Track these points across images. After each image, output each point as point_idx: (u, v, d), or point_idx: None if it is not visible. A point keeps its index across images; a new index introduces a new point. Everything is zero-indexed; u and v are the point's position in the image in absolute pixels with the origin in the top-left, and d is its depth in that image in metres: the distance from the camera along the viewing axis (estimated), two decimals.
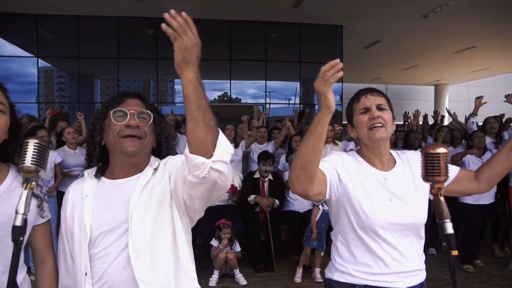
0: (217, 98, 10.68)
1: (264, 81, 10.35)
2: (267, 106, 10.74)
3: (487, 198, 4.66)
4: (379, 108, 1.55)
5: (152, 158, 1.54)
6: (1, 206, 1.38)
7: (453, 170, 1.59)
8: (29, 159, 1.14)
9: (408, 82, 18.23)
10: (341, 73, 1.21)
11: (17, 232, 1.11)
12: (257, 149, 5.35)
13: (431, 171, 1.07)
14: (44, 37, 9.39)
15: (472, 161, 4.72)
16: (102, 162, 1.53)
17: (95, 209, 1.43)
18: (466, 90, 18.65)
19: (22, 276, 1.51)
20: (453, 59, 12.98)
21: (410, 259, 1.54)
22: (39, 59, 9.60)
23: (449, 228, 1.02)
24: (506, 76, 16.37)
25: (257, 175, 4.92)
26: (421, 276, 1.60)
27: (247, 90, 11.00)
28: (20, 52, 9.63)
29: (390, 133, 1.55)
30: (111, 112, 1.47)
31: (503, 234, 5.38)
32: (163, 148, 1.57)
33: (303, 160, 1.33)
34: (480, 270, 4.77)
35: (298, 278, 4.42)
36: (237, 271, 4.41)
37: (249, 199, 4.77)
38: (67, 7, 8.43)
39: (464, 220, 4.79)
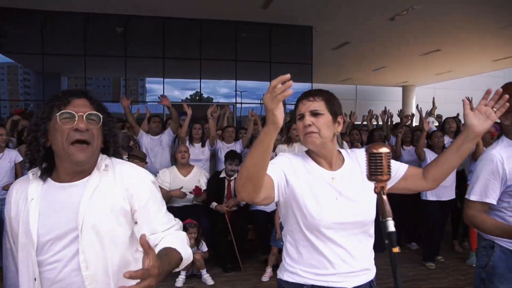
0: (188, 97, 10.60)
1: (235, 81, 10.34)
2: (238, 105, 10.74)
3: (448, 194, 4.82)
4: (314, 113, 1.53)
5: (100, 158, 1.49)
6: None
7: (402, 168, 1.62)
8: None
9: (377, 83, 18.62)
10: (290, 92, 1.15)
11: None
12: (224, 148, 5.34)
13: (374, 170, 1.10)
14: (7, 32, 9.05)
15: (431, 158, 4.88)
16: (47, 162, 1.45)
17: (41, 214, 1.37)
18: (432, 92, 19.22)
19: None
20: (419, 62, 13.36)
21: (358, 258, 1.55)
22: (1, 55, 9.26)
23: (391, 226, 1.04)
24: (471, 78, 16.98)
25: (223, 175, 4.91)
26: (370, 275, 1.61)
27: (218, 90, 10.97)
28: None
29: (325, 137, 1.53)
30: (58, 114, 1.38)
31: (462, 230, 5.57)
32: (111, 148, 1.53)
33: (249, 172, 1.30)
34: (440, 266, 4.92)
35: (265, 277, 4.44)
36: (204, 271, 4.39)
37: (211, 205, 4.76)
38: (32, 1, 8.17)
39: (427, 218, 4.93)
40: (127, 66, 9.60)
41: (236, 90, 10.51)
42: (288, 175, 1.53)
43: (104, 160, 1.48)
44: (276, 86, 1.16)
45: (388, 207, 1.07)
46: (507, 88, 2.14)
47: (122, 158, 1.59)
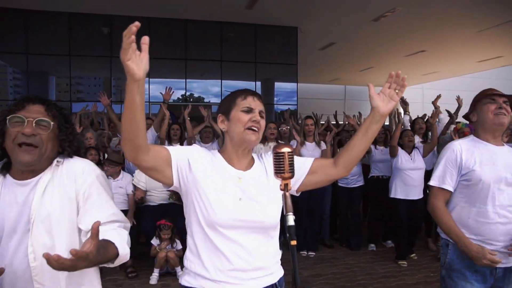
0: (180, 97, 10.64)
1: (220, 81, 10.41)
2: None
3: (416, 193, 4.93)
4: (261, 115, 1.57)
5: (56, 158, 1.58)
6: None
7: (307, 163, 1.63)
8: None
9: (366, 83, 18.70)
10: (133, 38, 1.14)
11: None
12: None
13: (278, 168, 1.17)
14: None
15: (404, 158, 4.97)
16: (7, 158, 1.55)
17: None
18: (420, 92, 19.38)
19: None
20: (404, 62, 13.48)
21: (256, 257, 1.51)
22: None
23: (291, 220, 1.12)
24: (460, 78, 17.16)
25: None
26: (271, 278, 1.56)
27: (204, 90, 11.02)
28: None
29: (259, 140, 1.57)
30: (8, 118, 1.48)
31: (435, 228, 5.67)
32: (66, 151, 1.60)
33: (124, 131, 1.31)
34: (413, 264, 5.03)
35: None
36: (178, 269, 4.46)
37: None
38: (15, 1, 8.19)
39: (396, 216, 5.03)
40: (113, 66, 9.64)
41: (221, 90, 10.57)
42: (193, 163, 1.51)
43: (56, 158, 1.57)
44: (126, 36, 1.14)
45: (290, 202, 1.15)
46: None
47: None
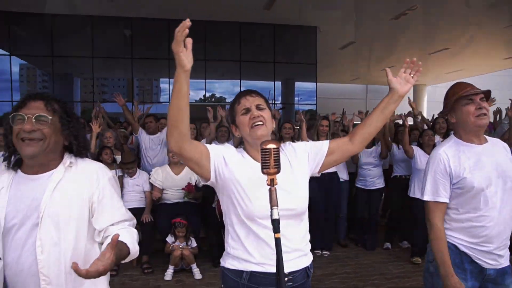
0: (202, 97, 10.77)
1: (239, 81, 10.48)
2: None
3: None
4: (259, 108, 1.66)
5: (66, 155, 1.66)
6: None
7: (324, 146, 1.75)
8: None
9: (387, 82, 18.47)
10: (186, 31, 1.31)
11: None
12: None
13: (264, 164, 1.21)
14: (19, 35, 9.40)
15: (424, 158, 4.90)
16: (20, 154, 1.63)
17: (9, 202, 1.55)
18: (445, 91, 18.98)
19: None
20: (427, 60, 13.23)
21: (292, 240, 1.63)
22: (12, 57, 9.61)
23: (275, 214, 1.16)
24: (487, 77, 16.70)
25: None
26: (305, 260, 1.69)
27: (223, 90, 11.12)
28: None
29: (270, 130, 1.67)
30: (10, 116, 1.57)
31: None
32: (74, 146, 1.67)
33: (170, 118, 1.44)
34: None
35: None
36: (194, 266, 4.54)
37: (213, 205, 4.87)
38: (39, 5, 8.48)
39: (413, 213, 4.97)
40: (135, 67, 9.84)
41: (241, 90, 10.63)
42: (228, 159, 1.63)
43: (69, 158, 1.66)
44: (179, 31, 1.31)
45: (275, 197, 1.19)
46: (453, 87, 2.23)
47: (86, 157, 1.75)
